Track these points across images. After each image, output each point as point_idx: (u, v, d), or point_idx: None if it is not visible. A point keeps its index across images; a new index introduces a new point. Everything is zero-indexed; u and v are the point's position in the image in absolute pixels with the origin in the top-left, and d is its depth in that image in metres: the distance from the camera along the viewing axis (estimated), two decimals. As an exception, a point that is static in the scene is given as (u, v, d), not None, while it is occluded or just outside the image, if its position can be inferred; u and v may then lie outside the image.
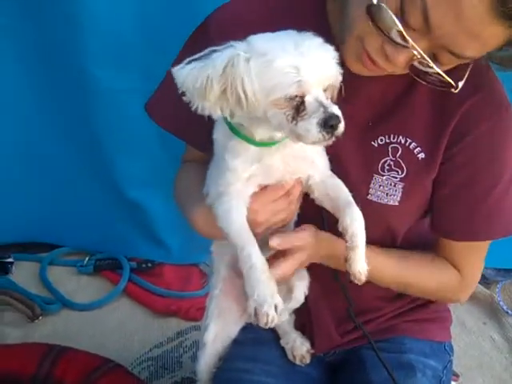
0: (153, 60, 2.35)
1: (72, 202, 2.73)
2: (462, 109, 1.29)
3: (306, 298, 1.49)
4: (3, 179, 2.61)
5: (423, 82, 1.19)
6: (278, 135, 1.18)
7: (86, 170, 2.66)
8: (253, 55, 1.07)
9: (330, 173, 1.29)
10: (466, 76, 1.18)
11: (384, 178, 1.35)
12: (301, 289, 1.46)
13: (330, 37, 1.13)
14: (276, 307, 1.13)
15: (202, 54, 1.09)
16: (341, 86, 1.17)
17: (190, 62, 1.08)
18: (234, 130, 1.20)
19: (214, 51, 1.08)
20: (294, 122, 1.07)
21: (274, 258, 1.27)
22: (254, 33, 1.11)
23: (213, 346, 1.50)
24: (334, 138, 1.09)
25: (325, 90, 1.10)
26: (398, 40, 1.09)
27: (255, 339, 1.57)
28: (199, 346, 1.54)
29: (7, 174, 2.63)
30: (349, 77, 1.19)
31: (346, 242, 1.22)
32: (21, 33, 2.37)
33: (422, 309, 1.57)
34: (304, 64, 1.05)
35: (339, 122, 1.07)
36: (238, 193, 1.22)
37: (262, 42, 1.09)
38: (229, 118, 1.13)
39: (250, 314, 1.14)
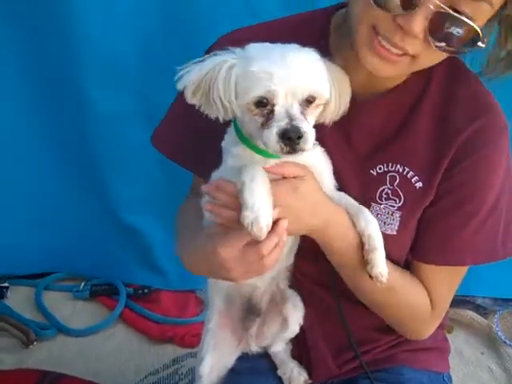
0: (151, 82, 2.38)
1: (69, 227, 2.73)
2: (461, 137, 1.30)
3: (302, 327, 1.49)
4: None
5: (447, 52, 1.17)
6: None
7: (84, 194, 2.66)
8: (240, 60, 1.11)
9: (335, 186, 1.31)
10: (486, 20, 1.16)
11: (382, 206, 1.35)
12: (296, 319, 1.46)
13: None
14: (268, 224, 1.09)
15: (204, 57, 1.14)
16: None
17: (192, 65, 1.13)
18: (243, 139, 1.21)
19: (215, 54, 1.14)
20: (262, 128, 1.09)
21: None
22: None
23: (209, 378, 1.48)
24: (298, 153, 1.09)
25: (305, 106, 1.11)
26: (405, 3, 1.09)
27: (252, 369, 1.55)
28: (195, 378, 1.52)
29: (2, 199, 2.63)
30: (349, 106, 1.21)
31: (364, 244, 1.24)
32: (19, 55, 2.40)
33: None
34: (279, 72, 1.07)
35: (299, 136, 1.07)
36: None
37: (255, 48, 1.14)
38: (220, 120, 1.16)
39: (246, 225, 1.08)
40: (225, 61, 1.12)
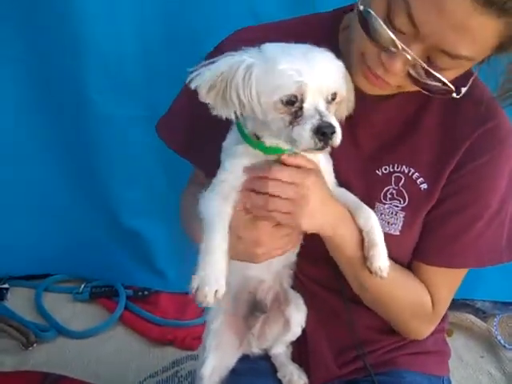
0: (153, 86, 2.38)
1: (69, 229, 2.72)
2: (467, 143, 1.31)
3: (304, 327, 1.49)
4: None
5: (427, 93, 1.19)
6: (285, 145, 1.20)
7: (84, 196, 2.67)
8: (259, 61, 1.11)
9: (337, 185, 1.32)
10: (469, 83, 1.18)
11: (386, 206, 1.36)
12: (298, 321, 1.46)
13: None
14: (216, 292, 1.13)
15: (217, 58, 1.14)
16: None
17: (205, 65, 1.14)
18: (246, 137, 1.22)
19: (228, 55, 1.14)
20: (291, 126, 1.10)
21: None
22: None
23: (210, 380, 1.48)
24: (328, 148, 1.11)
25: (329, 103, 1.13)
26: (390, 46, 1.10)
27: (253, 370, 1.56)
28: (196, 379, 1.52)
29: (2, 201, 2.63)
30: (356, 106, 1.23)
31: (364, 240, 1.26)
32: (20, 59, 2.40)
33: (421, 342, 1.56)
34: (307, 69, 1.09)
35: (333, 131, 1.09)
36: (228, 191, 1.23)
37: (272, 48, 1.14)
38: (239, 120, 1.18)
39: (191, 288, 1.14)
40: (242, 60, 1.12)
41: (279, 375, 1.57)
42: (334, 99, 1.14)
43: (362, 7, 1.12)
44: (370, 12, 1.10)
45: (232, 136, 1.27)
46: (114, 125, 2.46)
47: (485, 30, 1.05)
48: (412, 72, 1.15)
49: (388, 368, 1.53)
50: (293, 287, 1.50)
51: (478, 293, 2.71)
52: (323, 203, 1.24)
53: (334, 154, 1.30)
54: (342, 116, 1.24)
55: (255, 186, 1.22)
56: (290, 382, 1.55)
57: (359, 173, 1.36)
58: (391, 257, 1.35)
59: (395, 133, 1.36)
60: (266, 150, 1.22)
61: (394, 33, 1.09)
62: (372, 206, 1.35)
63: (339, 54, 1.26)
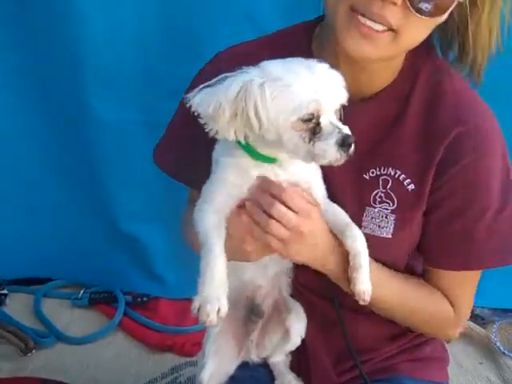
0: (153, 92, 2.39)
1: (68, 234, 2.73)
2: (446, 141, 1.32)
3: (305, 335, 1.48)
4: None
5: (426, 15, 1.19)
6: (280, 154, 1.22)
7: (84, 202, 2.67)
8: (267, 80, 1.11)
9: (327, 200, 1.32)
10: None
11: (376, 209, 1.36)
12: (298, 331, 1.46)
13: None
14: (219, 310, 1.14)
15: (215, 80, 1.14)
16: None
17: (203, 88, 1.14)
18: (243, 146, 1.22)
19: (227, 77, 1.13)
20: (312, 143, 1.13)
21: None
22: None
23: None
24: (347, 158, 1.14)
25: (336, 113, 1.16)
26: None
27: (252, 377, 1.55)
28: (195, 384, 1.52)
29: (1, 205, 2.63)
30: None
31: (350, 262, 1.25)
32: (20, 65, 2.41)
33: (420, 348, 1.57)
34: (319, 86, 1.12)
35: (353, 140, 1.12)
36: (220, 202, 1.24)
37: (275, 67, 1.15)
38: (242, 142, 1.17)
39: (193, 308, 1.16)
40: (252, 80, 1.12)
41: (277, 383, 1.57)
42: (338, 109, 1.18)
43: None
44: None
45: (222, 146, 1.27)
46: (113, 130, 2.47)
47: None
48: None
49: (388, 374, 1.53)
50: (291, 296, 1.50)
51: (477, 299, 2.66)
52: (317, 241, 1.27)
53: None
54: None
55: (263, 202, 1.22)
56: None
57: (348, 178, 1.37)
58: (385, 260, 1.37)
59: (379, 135, 1.37)
60: (259, 157, 1.22)
61: None
62: (362, 211, 1.36)
63: None
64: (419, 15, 1.18)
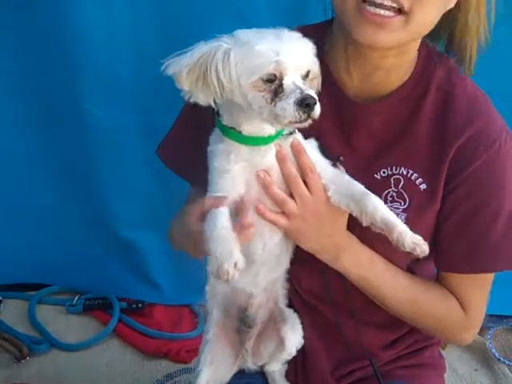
0: (149, 99, 2.39)
1: (63, 240, 2.72)
2: (458, 142, 1.32)
3: (304, 340, 1.48)
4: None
5: None
6: (265, 129, 1.24)
7: (80, 208, 2.66)
8: (235, 45, 1.16)
9: (337, 171, 1.30)
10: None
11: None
12: (293, 342, 1.45)
13: (330, 76, 1.27)
14: (236, 264, 1.14)
15: (192, 46, 1.19)
16: (339, 114, 1.23)
17: (180, 54, 1.19)
18: (225, 131, 1.26)
19: (203, 43, 1.18)
20: (273, 103, 1.15)
21: None
22: None
23: None
24: (309, 121, 1.15)
25: (304, 78, 1.18)
26: None
27: (249, 385, 1.55)
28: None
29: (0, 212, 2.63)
30: (349, 110, 1.28)
31: (382, 229, 1.23)
32: (18, 71, 2.41)
33: (418, 355, 1.57)
34: (282, 48, 1.15)
35: (314, 102, 1.13)
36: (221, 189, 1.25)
37: (246, 33, 1.20)
38: (213, 105, 1.20)
39: (211, 271, 1.16)
40: (219, 45, 1.16)
41: None
42: (307, 76, 1.20)
43: None
44: None
45: (213, 138, 1.30)
46: (110, 137, 2.47)
47: None
48: None
49: (385, 381, 1.53)
50: (291, 300, 1.49)
51: (473, 306, 2.70)
52: (330, 231, 1.30)
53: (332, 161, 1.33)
54: (314, 86, 1.27)
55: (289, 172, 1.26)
56: None
57: (358, 177, 1.36)
58: (392, 260, 1.38)
59: (390, 135, 1.37)
60: (245, 140, 1.25)
61: None
62: None
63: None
64: (433, 6, 1.19)
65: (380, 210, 1.23)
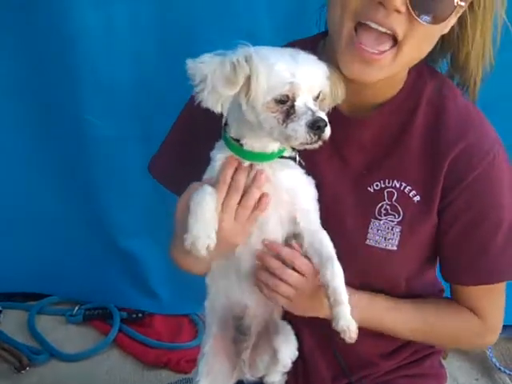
0: (148, 108, 2.40)
1: (62, 250, 2.72)
2: (451, 154, 1.33)
3: (303, 350, 1.48)
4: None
5: (431, 23, 1.20)
6: (270, 147, 1.26)
7: (79, 217, 2.66)
8: (258, 57, 1.18)
9: (318, 226, 1.31)
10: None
11: (381, 221, 1.37)
12: (287, 353, 1.44)
13: None
14: (208, 246, 1.19)
15: (220, 51, 1.19)
16: (333, 131, 1.22)
17: (208, 56, 1.19)
18: (229, 144, 1.27)
19: (226, 52, 1.19)
20: (284, 124, 1.16)
21: None
22: None
23: None
24: (320, 142, 1.16)
25: (315, 100, 1.19)
26: None
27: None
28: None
29: (0, 221, 2.63)
30: (340, 124, 1.26)
31: (329, 298, 1.23)
32: (18, 80, 2.42)
33: (418, 364, 1.57)
34: (298, 70, 1.16)
35: (325, 124, 1.15)
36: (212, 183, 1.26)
37: (264, 49, 1.21)
38: (224, 113, 1.21)
39: (186, 245, 1.20)
40: (253, 52, 1.17)
41: None
42: (318, 97, 1.21)
43: None
44: None
45: (219, 144, 1.31)
46: (110, 146, 2.48)
47: None
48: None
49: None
50: (291, 312, 1.49)
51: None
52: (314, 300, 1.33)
53: (324, 175, 1.34)
54: (324, 107, 1.27)
55: (271, 265, 1.30)
56: None
57: (351, 191, 1.38)
58: (387, 273, 1.38)
59: (382, 149, 1.38)
60: (247, 155, 1.26)
61: None
62: (367, 223, 1.37)
63: None
64: (422, 22, 1.19)
65: (336, 281, 1.24)
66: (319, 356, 1.53)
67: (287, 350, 1.44)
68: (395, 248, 1.36)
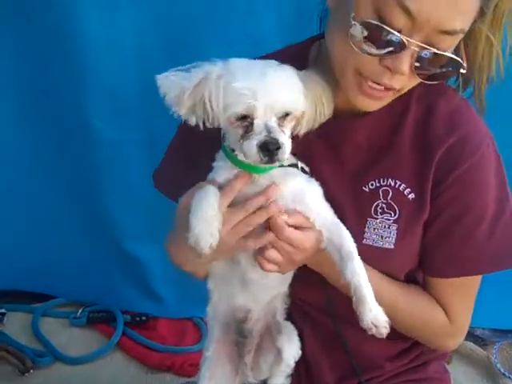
0: (152, 112, 2.38)
1: (67, 253, 2.73)
2: (442, 149, 1.33)
3: (306, 353, 1.48)
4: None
5: (435, 83, 1.23)
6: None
7: (84, 221, 2.67)
8: (224, 73, 1.18)
9: (336, 220, 1.31)
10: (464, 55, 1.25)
11: (378, 220, 1.37)
12: (291, 353, 1.44)
13: None
14: (211, 245, 1.19)
15: (187, 66, 1.21)
16: (326, 131, 1.25)
17: (174, 71, 1.22)
18: (229, 155, 1.28)
19: (196, 65, 1.21)
20: (242, 140, 1.18)
21: None
22: None
23: None
24: (275, 163, 1.19)
25: (282, 118, 1.18)
26: (397, 47, 1.14)
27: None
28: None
29: (4, 223, 2.63)
30: (334, 124, 1.28)
31: (352, 296, 1.23)
32: (22, 85, 2.43)
33: (422, 368, 1.56)
34: (259, 89, 1.15)
35: (278, 147, 1.15)
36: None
37: (236, 63, 1.21)
38: (201, 126, 1.23)
39: (189, 244, 1.19)
40: (212, 71, 1.19)
41: None
42: (288, 115, 1.20)
43: (356, 23, 1.15)
44: (371, 23, 1.14)
45: (219, 155, 1.32)
46: (115, 150, 2.48)
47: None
48: (418, 65, 1.18)
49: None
50: (292, 312, 1.50)
51: (477, 320, 2.67)
52: (308, 261, 1.34)
53: (321, 175, 1.34)
54: (306, 128, 1.28)
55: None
56: None
57: (347, 191, 1.39)
58: (385, 271, 1.38)
59: (376, 148, 1.39)
60: (245, 166, 1.26)
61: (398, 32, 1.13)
62: (364, 222, 1.37)
63: None
64: (425, 81, 1.22)
65: (356, 279, 1.23)
66: (323, 359, 1.53)
67: (291, 349, 1.44)
68: (392, 246, 1.37)
